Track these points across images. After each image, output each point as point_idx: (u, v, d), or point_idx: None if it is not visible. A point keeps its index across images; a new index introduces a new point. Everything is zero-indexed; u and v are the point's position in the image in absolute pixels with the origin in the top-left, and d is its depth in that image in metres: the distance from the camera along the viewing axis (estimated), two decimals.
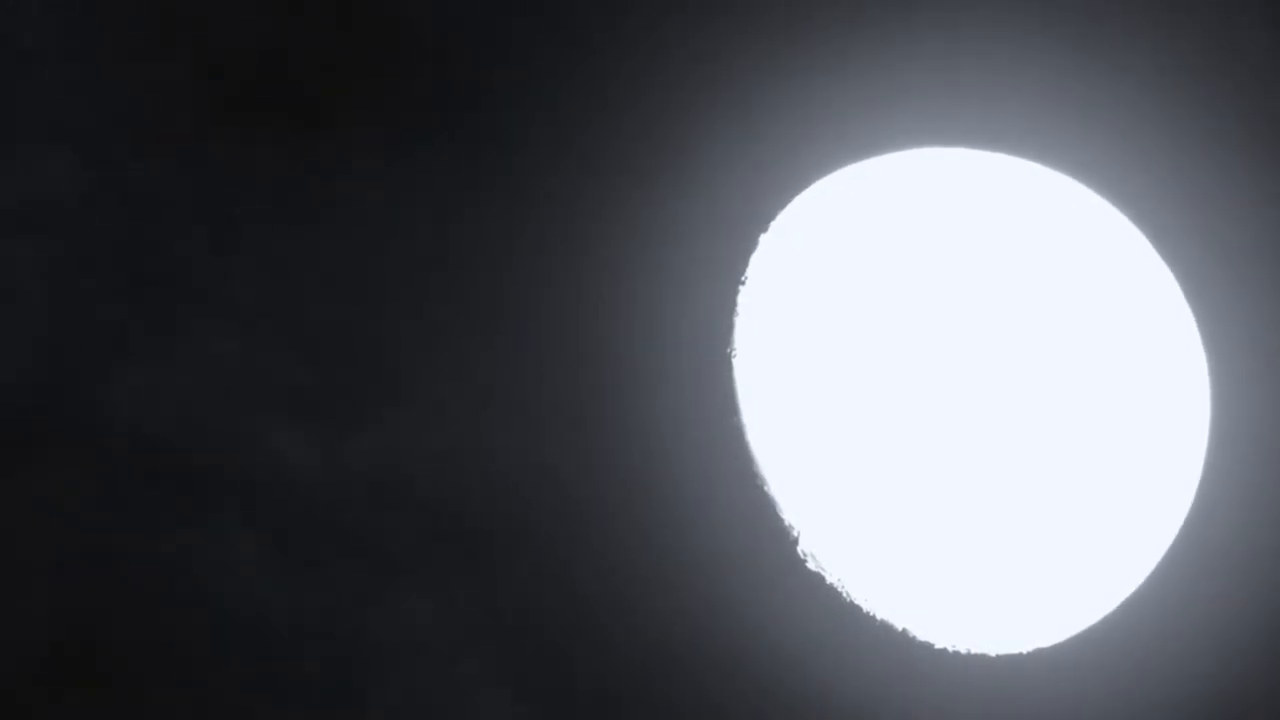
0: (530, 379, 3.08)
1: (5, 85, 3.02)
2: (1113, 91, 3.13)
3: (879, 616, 3.07)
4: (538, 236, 3.11)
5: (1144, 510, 3.10)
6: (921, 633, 3.07)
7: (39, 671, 2.80)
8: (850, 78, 3.14)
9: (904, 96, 3.15)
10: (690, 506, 3.06)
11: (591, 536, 3.04)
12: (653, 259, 3.11)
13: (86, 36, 3.05)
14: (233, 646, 2.88)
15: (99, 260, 2.98)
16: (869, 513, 3.10)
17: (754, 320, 3.12)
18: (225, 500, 2.94)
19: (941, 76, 3.14)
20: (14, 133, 3.02)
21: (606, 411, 3.07)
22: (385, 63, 3.11)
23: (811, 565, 3.07)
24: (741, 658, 3.03)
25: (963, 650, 3.08)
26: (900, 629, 3.07)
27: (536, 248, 3.11)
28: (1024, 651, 3.09)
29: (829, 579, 3.07)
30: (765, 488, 3.08)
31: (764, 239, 3.13)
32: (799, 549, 3.07)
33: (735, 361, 3.10)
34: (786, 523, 3.07)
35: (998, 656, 3.08)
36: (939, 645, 3.07)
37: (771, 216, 3.14)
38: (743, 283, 3.12)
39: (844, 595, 3.07)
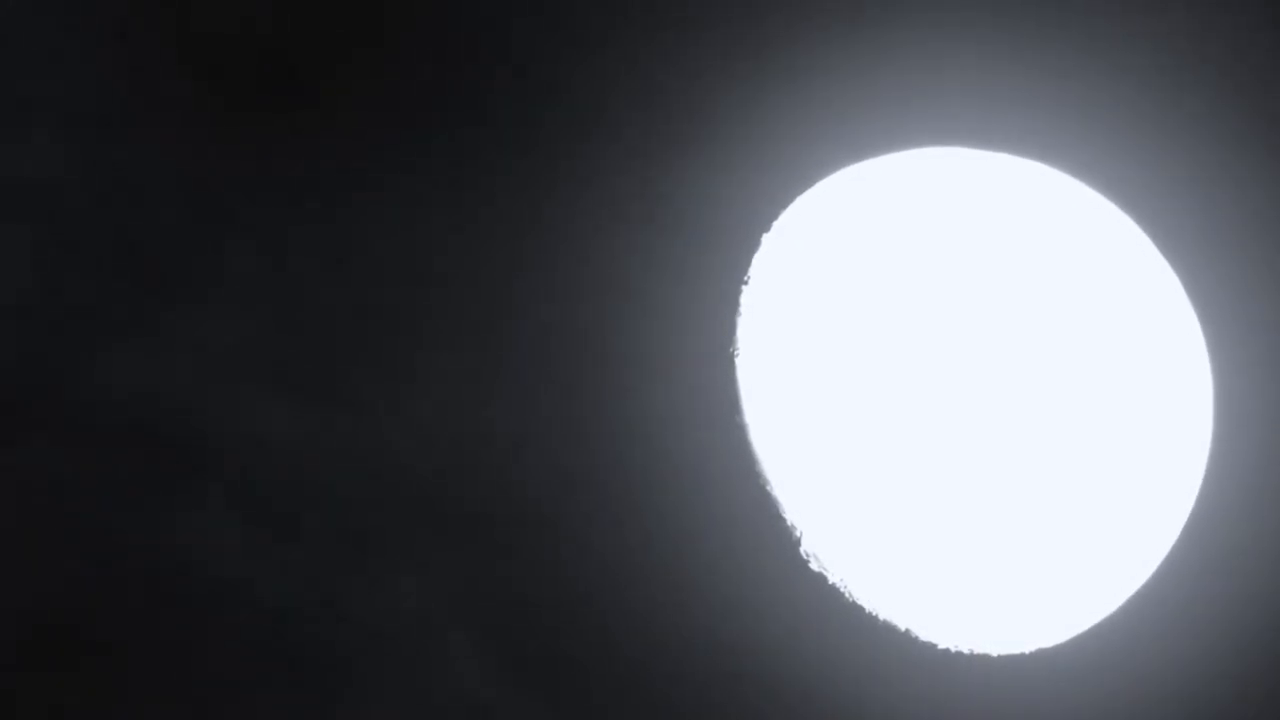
0: (530, 375, 3.07)
1: None
2: (1114, 91, 3.14)
3: (881, 617, 3.07)
4: (540, 236, 3.10)
5: (1146, 511, 3.10)
6: (924, 633, 3.07)
7: (22, 653, 2.79)
8: (852, 78, 3.14)
9: (906, 97, 3.15)
10: (692, 506, 3.06)
11: (592, 536, 3.04)
12: (655, 259, 3.10)
13: (71, 11, 3.04)
14: (219, 624, 2.88)
15: (84, 239, 2.97)
16: (872, 513, 3.10)
17: (757, 320, 3.11)
18: (212, 479, 2.93)
19: (943, 77, 3.14)
20: None
21: (608, 411, 3.07)
22: (376, 37, 3.11)
23: (814, 565, 3.07)
24: (743, 656, 3.03)
25: (965, 650, 3.08)
26: (903, 629, 3.07)
27: (537, 248, 3.10)
28: (1026, 652, 3.09)
29: (831, 579, 3.07)
30: (768, 487, 3.08)
31: (767, 239, 3.13)
32: (801, 549, 3.07)
33: (738, 361, 3.10)
34: (789, 523, 3.07)
35: (1000, 657, 3.09)
36: (941, 645, 3.07)
37: (774, 216, 3.14)
38: (746, 282, 3.12)
39: (846, 595, 3.07)
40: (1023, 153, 3.16)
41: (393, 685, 2.94)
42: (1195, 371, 3.11)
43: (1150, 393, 3.12)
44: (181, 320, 2.98)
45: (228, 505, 2.93)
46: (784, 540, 3.07)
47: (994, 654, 3.08)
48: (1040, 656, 3.09)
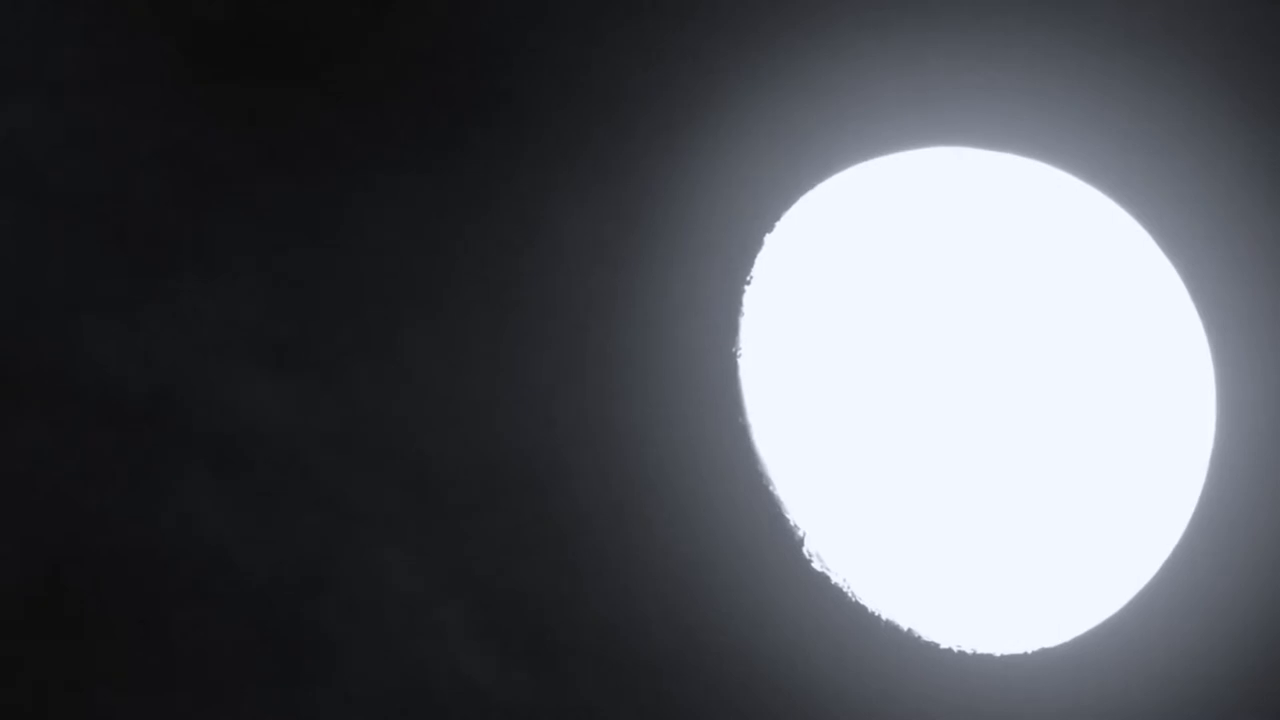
0: (531, 375, 3.07)
1: None
2: (1116, 92, 3.14)
3: (884, 616, 3.07)
4: (541, 235, 3.11)
5: (1149, 511, 3.11)
6: (927, 632, 3.07)
7: (3, 627, 2.79)
8: (854, 79, 3.14)
9: (907, 97, 3.16)
10: (696, 505, 3.06)
11: (595, 534, 3.04)
12: (659, 259, 3.11)
13: None
14: (204, 597, 2.87)
15: (67, 213, 2.97)
16: (875, 512, 3.10)
17: (760, 320, 3.12)
18: (196, 454, 2.93)
19: (946, 77, 3.15)
20: None
21: (609, 410, 3.07)
22: (371, 14, 3.11)
23: (817, 565, 3.07)
24: (746, 655, 3.03)
25: (968, 650, 3.08)
26: (905, 629, 3.07)
27: (539, 246, 3.10)
28: (1028, 651, 3.09)
29: (835, 579, 3.07)
30: (771, 487, 3.08)
31: (769, 239, 3.14)
32: (805, 549, 3.07)
33: (741, 361, 3.10)
34: (792, 522, 3.07)
35: (1002, 656, 3.09)
36: (944, 645, 3.07)
37: (777, 216, 3.14)
38: (748, 283, 3.12)
39: (849, 595, 3.07)
40: (1026, 152, 3.17)
41: (379, 662, 2.94)
42: (1198, 370, 3.11)
43: (1153, 392, 3.12)
44: (166, 295, 2.97)
45: (212, 479, 2.92)
46: (787, 540, 3.07)
47: (997, 654, 3.08)
48: (1043, 656, 3.09)
